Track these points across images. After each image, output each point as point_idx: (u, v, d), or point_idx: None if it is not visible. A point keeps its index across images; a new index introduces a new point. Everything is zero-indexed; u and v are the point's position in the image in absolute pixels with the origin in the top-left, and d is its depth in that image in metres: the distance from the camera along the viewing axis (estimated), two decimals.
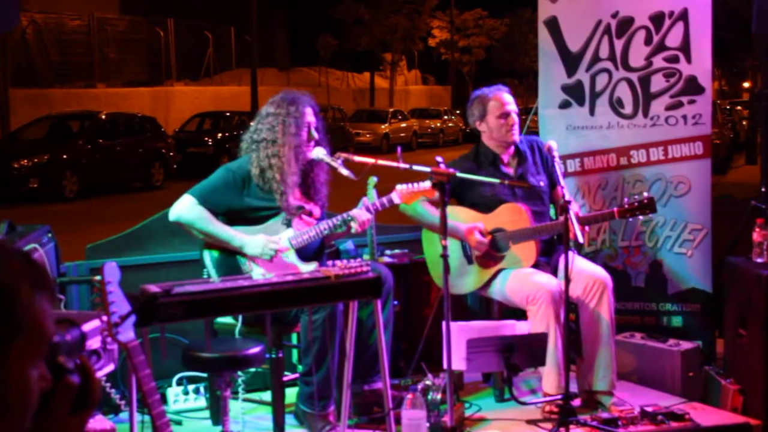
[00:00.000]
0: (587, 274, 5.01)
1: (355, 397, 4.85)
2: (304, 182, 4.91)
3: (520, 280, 5.05)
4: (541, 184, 5.29)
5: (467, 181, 5.16)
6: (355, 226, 4.82)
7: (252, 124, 4.94)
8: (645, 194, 4.99)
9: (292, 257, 4.74)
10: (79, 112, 21.81)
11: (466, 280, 5.30)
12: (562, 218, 4.66)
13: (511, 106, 5.31)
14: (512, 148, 5.31)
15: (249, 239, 4.66)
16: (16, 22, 3.12)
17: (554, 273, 5.16)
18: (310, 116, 4.83)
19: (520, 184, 5.10)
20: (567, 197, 4.56)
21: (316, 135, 4.82)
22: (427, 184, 4.82)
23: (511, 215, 5.14)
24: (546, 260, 5.22)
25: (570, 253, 4.58)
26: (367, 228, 4.93)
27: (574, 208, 4.83)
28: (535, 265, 5.14)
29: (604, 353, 5.01)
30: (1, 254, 1.38)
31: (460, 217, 5.24)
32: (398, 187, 4.90)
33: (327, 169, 4.92)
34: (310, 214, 4.88)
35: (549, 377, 5.00)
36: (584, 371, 5.10)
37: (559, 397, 4.67)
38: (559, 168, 5.05)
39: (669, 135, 5.92)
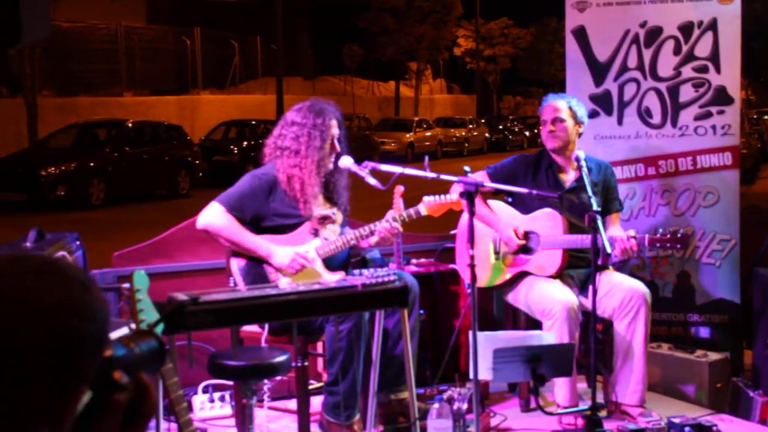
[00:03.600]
0: (625, 287, 5.00)
1: (381, 407, 4.84)
2: (326, 188, 4.91)
3: (539, 292, 5.04)
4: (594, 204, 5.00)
5: (521, 175, 5.22)
6: (380, 236, 4.82)
7: (275, 129, 4.93)
8: (681, 230, 4.86)
9: (318, 267, 4.74)
10: (106, 120, 21.92)
11: (488, 274, 5.31)
12: (595, 233, 4.60)
13: (550, 114, 5.24)
14: (576, 160, 5.09)
15: (277, 250, 4.66)
16: (48, 31, 3.14)
17: (581, 288, 5.13)
18: (335, 128, 4.82)
19: (546, 194, 5.03)
20: (596, 208, 4.53)
21: (338, 147, 4.82)
22: (453, 196, 4.84)
23: (547, 221, 5.13)
24: (572, 274, 5.19)
25: (598, 265, 4.56)
26: (394, 238, 4.93)
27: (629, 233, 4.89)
28: (560, 277, 5.12)
29: (637, 367, 4.99)
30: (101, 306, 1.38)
31: (498, 210, 5.30)
32: (425, 198, 4.90)
33: (347, 174, 4.91)
34: (334, 222, 4.88)
35: (561, 389, 5.03)
36: (613, 383, 5.08)
37: (587, 407, 4.65)
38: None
39: (698, 145, 5.90)
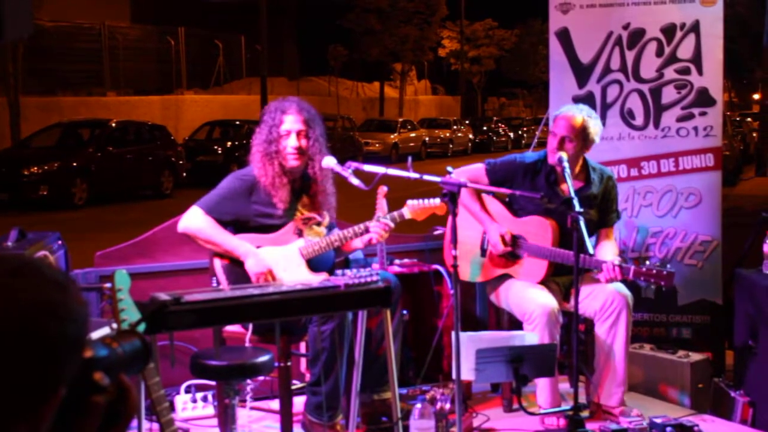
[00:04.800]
0: (608, 290, 4.99)
1: (364, 407, 4.84)
2: (310, 191, 4.90)
3: (521, 295, 5.05)
4: (587, 211, 5.00)
5: (519, 175, 5.18)
6: (375, 236, 4.80)
7: None
8: (668, 267, 4.82)
9: (302, 268, 4.73)
10: (90, 119, 21.86)
11: (473, 270, 5.33)
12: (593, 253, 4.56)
13: (562, 129, 5.04)
14: (578, 169, 5.14)
15: (252, 255, 4.61)
16: (30, 30, 3.13)
17: (564, 294, 5.13)
18: (290, 124, 4.76)
19: (529, 194, 5.00)
20: (578, 209, 4.53)
21: (296, 143, 4.74)
22: (437, 200, 4.83)
23: (537, 228, 5.11)
24: (557, 281, 5.19)
25: (579, 266, 4.57)
26: (382, 241, 4.92)
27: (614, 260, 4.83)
28: (545, 283, 5.11)
29: (617, 369, 5.01)
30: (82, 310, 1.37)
31: (491, 209, 5.28)
32: (409, 202, 4.90)
33: (333, 178, 4.90)
34: (319, 224, 4.87)
35: (543, 390, 5.04)
36: (595, 384, 5.09)
37: (569, 408, 4.66)
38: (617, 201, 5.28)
39: (680, 147, 5.92)
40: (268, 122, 4.79)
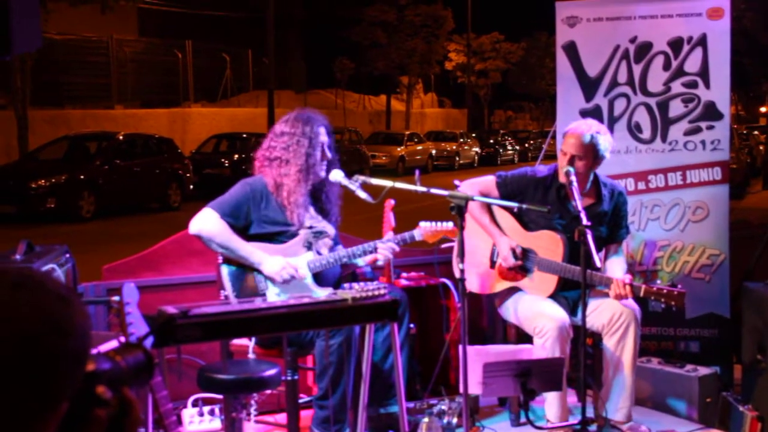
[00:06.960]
0: (616, 304, 4.95)
1: (371, 421, 4.83)
2: (317, 200, 4.92)
3: (531, 309, 5.02)
4: (597, 228, 4.98)
5: (531, 189, 5.16)
6: (382, 258, 4.84)
7: (265, 141, 4.94)
8: (679, 287, 4.80)
9: (308, 281, 4.74)
10: (97, 132, 21.92)
11: (480, 281, 5.31)
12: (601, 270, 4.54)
13: (571, 148, 4.99)
14: (589, 185, 5.14)
15: (268, 258, 4.66)
16: (39, 43, 3.14)
17: (572, 309, 5.10)
18: (323, 136, 4.85)
19: (536, 208, 4.97)
20: (585, 222, 4.52)
21: (329, 154, 4.84)
22: (449, 224, 4.84)
23: (548, 243, 5.09)
24: (565, 295, 5.16)
25: (587, 278, 4.56)
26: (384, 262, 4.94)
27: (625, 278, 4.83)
28: (553, 297, 5.09)
29: (624, 384, 4.97)
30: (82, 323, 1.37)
31: (502, 222, 5.25)
32: (421, 224, 4.92)
33: (339, 186, 4.93)
34: (328, 236, 4.89)
35: (552, 406, 5.00)
36: (602, 398, 5.07)
37: (576, 423, 4.65)
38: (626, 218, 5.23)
39: (687, 160, 5.91)
40: (307, 134, 4.80)
